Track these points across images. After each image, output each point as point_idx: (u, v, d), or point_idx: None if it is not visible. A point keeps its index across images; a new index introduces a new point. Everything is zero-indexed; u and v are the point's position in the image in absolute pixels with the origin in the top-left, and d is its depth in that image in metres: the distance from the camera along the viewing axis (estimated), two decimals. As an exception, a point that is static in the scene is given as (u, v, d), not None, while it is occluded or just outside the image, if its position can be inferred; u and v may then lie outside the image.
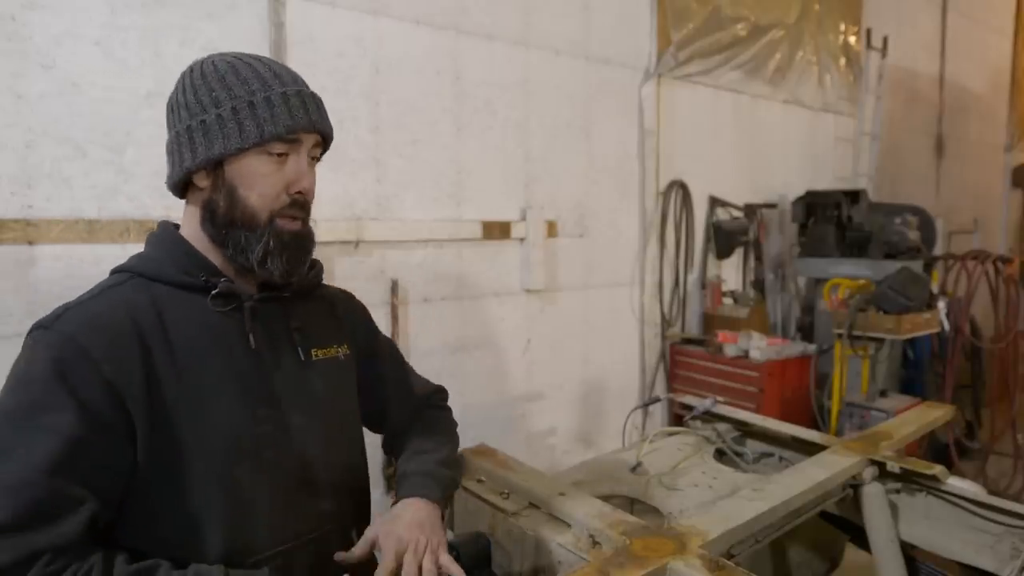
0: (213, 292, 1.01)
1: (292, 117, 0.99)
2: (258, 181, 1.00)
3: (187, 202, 1.08)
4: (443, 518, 1.16)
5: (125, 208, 2.18)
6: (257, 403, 1.02)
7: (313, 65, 2.49)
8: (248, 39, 2.38)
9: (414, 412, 1.35)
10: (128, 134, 2.17)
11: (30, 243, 2.02)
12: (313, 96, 1.05)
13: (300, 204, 1.04)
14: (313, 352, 1.12)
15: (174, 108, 1.04)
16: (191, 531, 0.95)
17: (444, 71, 2.93)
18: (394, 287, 2.79)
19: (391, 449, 1.37)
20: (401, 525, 1.06)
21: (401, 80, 2.79)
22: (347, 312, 1.28)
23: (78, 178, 2.10)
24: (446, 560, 1.04)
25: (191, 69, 1.04)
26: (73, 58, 2.06)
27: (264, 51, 2.39)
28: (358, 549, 1.05)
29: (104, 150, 2.14)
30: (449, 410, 1.42)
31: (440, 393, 1.43)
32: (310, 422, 1.08)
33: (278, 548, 1.02)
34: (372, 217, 2.75)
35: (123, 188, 2.18)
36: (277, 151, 1.00)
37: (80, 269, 2.10)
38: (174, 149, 1.03)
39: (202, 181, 1.02)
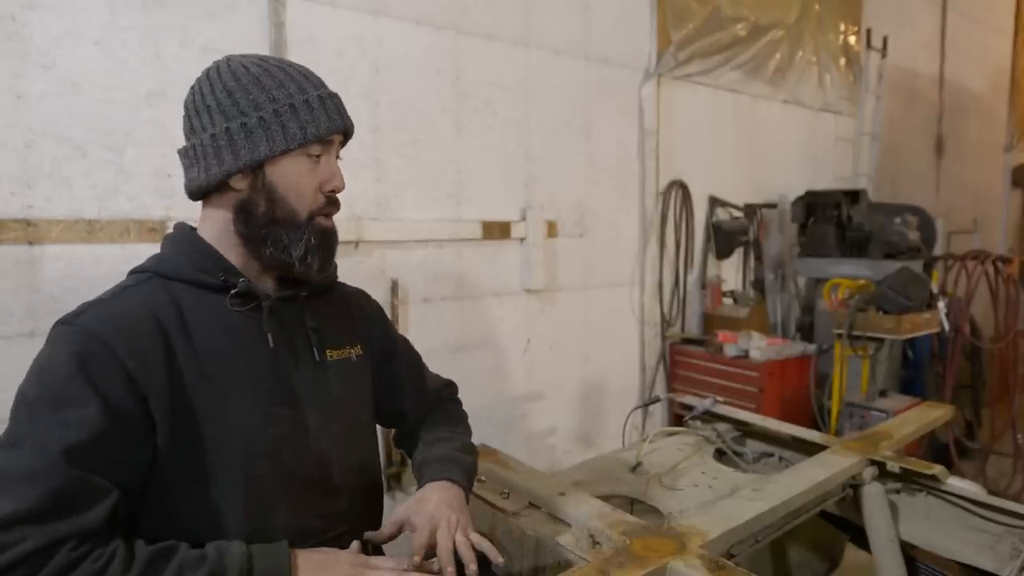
0: (232, 292, 1.03)
1: (330, 119, 1.04)
2: (297, 181, 1.04)
3: (207, 204, 1.08)
4: (467, 501, 1.18)
5: (125, 208, 2.18)
6: (275, 403, 1.03)
7: (313, 65, 2.45)
8: (248, 39, 2.38)
9: (428, 407, 1.39)
10: (128, 134, 2.17)
11: (30, 243, 2.02)
12: (338, 97, 1.11)
13: (334, 202, 1.09)
14: (328, 353, 1.14)
15: (201, 111, 1.03)
16: (210, 528, 0.96)
17: (444, 71, 2.93)
18: (394, 287, 2.79)
19: (404, 443, 1.40)
20: (431, 505, 1.11)
21: (401, 80, 2.79)
22: (362, 312, 1.30)
23: (78, 178, 2.10)
24: (477, 537, 1.07)
25: (215, 71, 1.04)
26: (73, 58, 2.06)
27: (264, 51, 2.39)
28: (387, 528, 1.11)
29: (104, 150, 2.14)
30: (460, 403, 1.46)
31: (451, 387, 1.46)
32: (326, 422, 1.09)
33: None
34: (372, 217, 2.75)
35: (123, 188, 2.18)
36: (315, 152, 1.04)
37: (80, 269, 2.10)
38: (207, 152, 1.02)
39: (239, 183, 1.03)
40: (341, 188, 1.09)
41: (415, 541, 1.05)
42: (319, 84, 1.08)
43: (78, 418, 0.87)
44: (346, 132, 1.10)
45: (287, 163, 1.03)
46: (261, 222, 1.04)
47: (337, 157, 1.12)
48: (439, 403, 1.41)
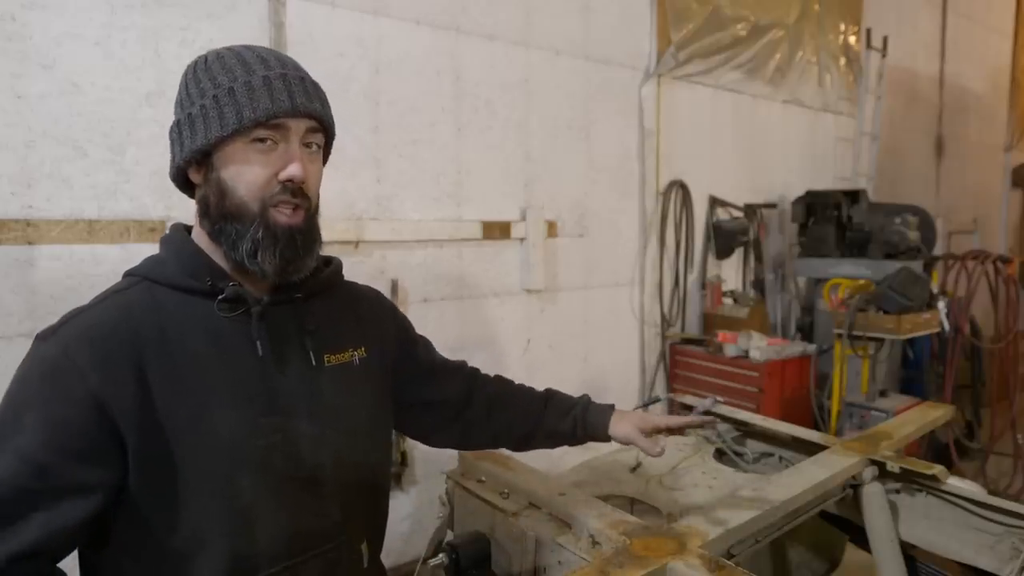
0: (219, 297, 0.97)
1: (273, 101, 0.93)
2: (244, 170, 0.94)
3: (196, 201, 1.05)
4: None
5: (125, 208, 2.18)
6: (264, 412, 0.97)
7: (313, 65, 2.45)
8: (248, 39, 2.34)
9: (468, 382, 1.38)
10: (128, 134, 2.17)
11: (30, 243, 2.02)
12: (302, 79, 0.98)
13: (292, 191, 0.96)
14: (325, 358, 1.07)
15: (174, 106, 1.03)
16: (191, 548, 0.92)
17: (444, 71, 2.93)
18: (394, 287, 2.79)
19: (479, 421, 1.37)
20: (629, 418, 1.39)
21: (401, 80, 2.79)
22: (372, 312, 1.24)
23: (78, 178, 2.10)
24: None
25: (189, 65, 1.02)
26: (73, 58, 2.06)
27: (264, 51, 2.39)
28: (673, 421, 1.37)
29: (104, 150, 2.14)
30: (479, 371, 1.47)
31: (466, 365, 1.46)
32: (322, 431, 1.04)
33: (284, 563, 0.98)
34: (372, 217, 2.75)
35: (123, 188, 2.18)
36: (261, 137, 0.94)
37: (80, 269, 2.10)
38: (171, 145, 1.01)
39: (195, 176, 1.00)
40: (299, 177, 0.95)
41: (668, 422, 1.35)
42: (276, 66, 0.96)
43: (20, 450, 0.84)
44: (307, 116, 0.97)
45: (232, 151, 0.94)
46: (215, 217, 0.97)
47: (316, 147, 1.02)
48: (480, 377, 1.42)
